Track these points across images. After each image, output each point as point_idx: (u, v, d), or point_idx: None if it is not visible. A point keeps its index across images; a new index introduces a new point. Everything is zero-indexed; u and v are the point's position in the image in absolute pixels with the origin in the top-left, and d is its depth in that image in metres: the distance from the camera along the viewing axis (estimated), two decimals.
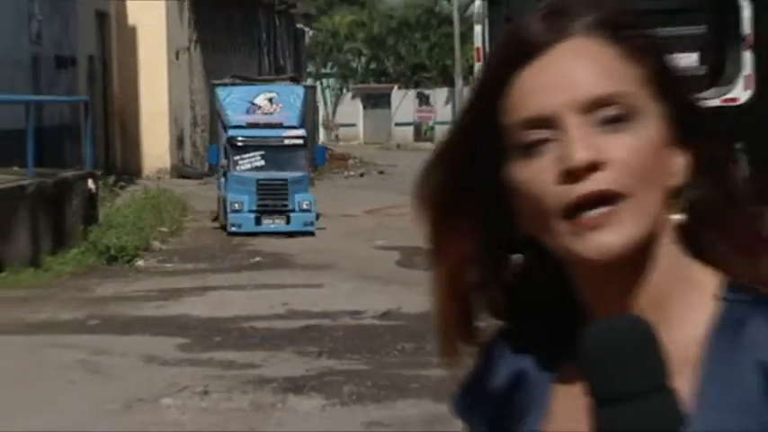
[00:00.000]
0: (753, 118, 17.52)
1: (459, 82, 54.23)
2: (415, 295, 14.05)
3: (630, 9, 1.71)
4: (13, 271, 17.79)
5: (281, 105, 25.12)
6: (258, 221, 23.12)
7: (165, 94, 36.40)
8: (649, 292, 1.66)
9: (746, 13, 17.14)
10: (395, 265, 19.42)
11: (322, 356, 12.29)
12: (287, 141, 24.27)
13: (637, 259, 1.63)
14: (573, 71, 1.63)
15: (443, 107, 62.45)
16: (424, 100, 64.51)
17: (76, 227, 20.69)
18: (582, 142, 1.59)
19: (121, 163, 32.35)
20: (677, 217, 1.68)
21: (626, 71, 1.65)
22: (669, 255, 1.68)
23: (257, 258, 20.49)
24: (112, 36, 33.45)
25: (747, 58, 17.13)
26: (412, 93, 64.53)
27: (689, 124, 1.68)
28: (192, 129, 39.14)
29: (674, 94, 1.68)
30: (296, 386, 11.04)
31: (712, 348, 1.65)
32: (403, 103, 63.92)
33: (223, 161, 24.17)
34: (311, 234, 22.84)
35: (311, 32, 64.86)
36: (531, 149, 1.62)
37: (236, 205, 23.05)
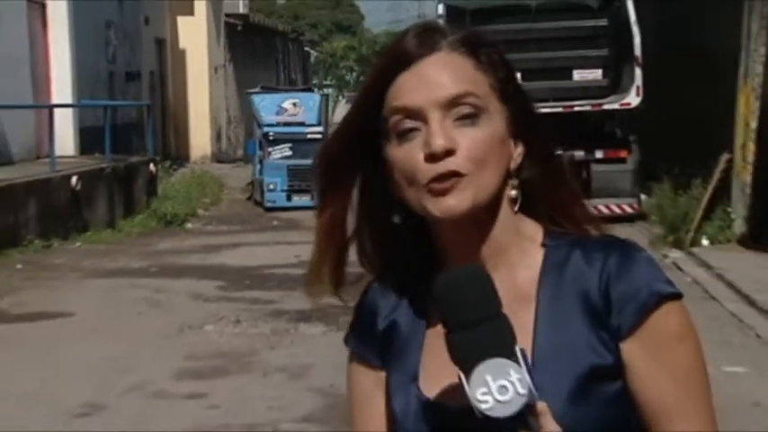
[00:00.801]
0: (641, 117, 17.58)
1: None
2: None
3: (484, 32, 1.77)
4: (95, 231, 17.82)
5: (303, 108, 24.49)
6: (289, 198, 22.31)
7: (206, 100, 36.26)
8: (491, 244, 1.70)
9: (637, 40, 17.18)
10: None
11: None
12: (309, 136, 23.42)
13: (479, 220, 1.68)
14: (437, 77, 1.66)
15: None
16: None
17: (141, 198, 20.71)
18: (441, 132, 1.63)
19: (174, 151, 32.23)
20: (513, 192, 1.71)
21: (478, 79, 1.68)
22: (508, 218, 1.72)
23: (276, 222, 20.48)
24: (168, 56, 33.33)
25: (638, 73, 17.17)
26: None
27: (524, 123, 1.72)
28: (227, 126, 39.02)
29: (514, 99, 1.71)
30: (305, 317, 11.05)
31: (542, 286, 1.70)
32: None
33: (259, 152, 23.47)
34: None
35: (315, 54, 64.69)
36: (404, 135, 1.67)
37: (272, 186, 22.36)
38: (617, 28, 17.58)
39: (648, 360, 1.66)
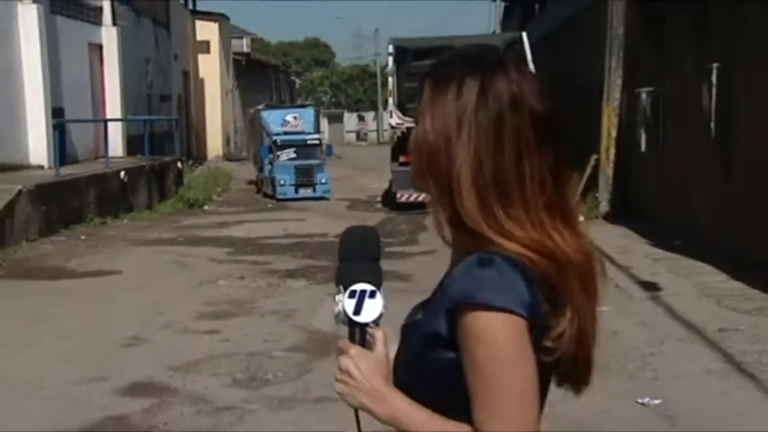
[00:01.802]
0: None
1: (380, 108, 54.32)
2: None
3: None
4: (138, 211, 17.74)
5: (302, 120, 23.12)
6: (296, 191, 20.94)
7: (219, 115, 36.13)
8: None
9: (531, 66, 17.24)
10: (345, 209, 19.45)
11: (305, 258, 12.34)
12: (309, 142, 22.15)
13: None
14: None
15: (372, 122, 62.36)
16: (361, 118, 64.26)
17: (172, 187, 20.60)
18: None
19: (195, 152, 32.08)
20: None
21: None
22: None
23: (270, 205, 20.45)
24: (191, 83, 33.20)
25: None
26: (354, 114, 64.25)
27: None
28: (234, 134, 38.87)
29: None
30: (291, 274, 11.09)
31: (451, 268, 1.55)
32: (350, 120, 63.61)
33: (269, 155, 21.98)
34: (327, 199, 20.82)
35: (299, 81, 64.51)
36: None
37: (282, 182, 20.99)
38: None
39: (462, 348, 1.45)
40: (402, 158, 17.49)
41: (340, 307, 1.55)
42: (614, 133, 15.33)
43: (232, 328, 8.26)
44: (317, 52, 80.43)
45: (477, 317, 1.42)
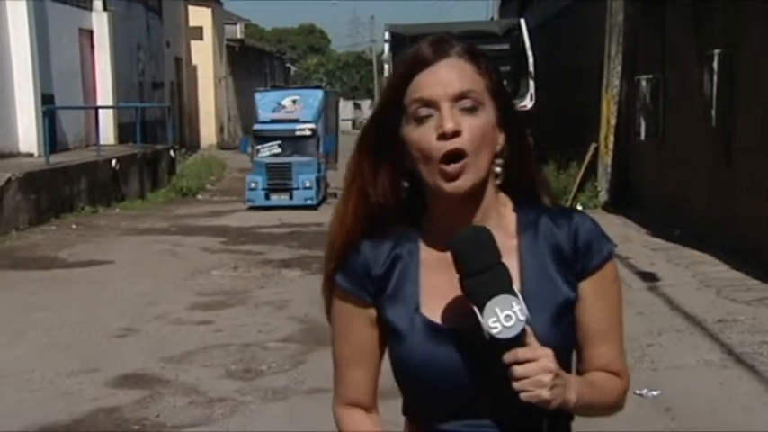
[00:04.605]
0: (534, 116, 17.67)
1: (376, 96, 54.43)
2: None
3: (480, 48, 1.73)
4: (130, 200, 17.74)
5: (301, 105, 18.08)
6: (267, 197, 17.02)
7: (212, 102, 36.10)
8: (479, 209, 1.68)
9: (531, 60, 17.26)
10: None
11: (300, 248, 12.33)
12: (297, 133, 17.30)
13: (474, 194, 1.65)
14: (448, 76, 1.64)
15: (367, 110, 62.41)
16: (357, 106, 64.23)
17: (164, 176, 20.60)
18: (450, 118, 1.61)
19: (188, 140, 32.06)
20: (498, 169, 1.68)
21: (477, 80, 1.65)
22: (491, 189, 1.69)
23: None
24: (183, 70, 33.13)
25: (532, 84, 17.25)
26: (350, 102, 64.19)
27: (507, 116, 1.70)
28: (228, 122, 38.88)
29: (501, 97, 1.69)
30: (286, 264, 11.08)
31: (521, 241, 1.70)
32: (345, 108, 63.55)
33: (248, 151, 18.19)
34: (312, 207, 16.76)
35: (294, 69, 64.43)
36: (420, 120, 1.63)
37: (253, 184, 17.17)
38: (516, 51, 17.62)
39: (597, 296, 1.69)
40: None
41: (514, 319, 1.53)
42: (613, 121, 15.33)
43: (225, 319, 8.26)
44: (313, 39, 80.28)
45: (613, 262, 1.72)
